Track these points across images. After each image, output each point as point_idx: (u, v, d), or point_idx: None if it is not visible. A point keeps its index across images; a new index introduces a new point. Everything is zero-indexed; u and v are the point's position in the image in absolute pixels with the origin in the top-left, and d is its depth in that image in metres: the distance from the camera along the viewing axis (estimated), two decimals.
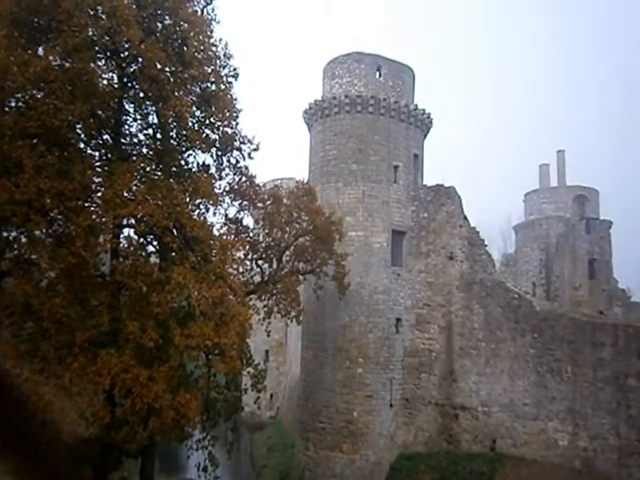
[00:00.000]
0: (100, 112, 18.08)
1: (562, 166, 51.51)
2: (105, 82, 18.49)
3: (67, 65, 16.92)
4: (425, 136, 33.15)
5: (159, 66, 18.20)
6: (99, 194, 17.82)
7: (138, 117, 19.89)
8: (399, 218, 29.94)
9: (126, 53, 18.24)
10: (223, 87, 20.83)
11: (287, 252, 24.69)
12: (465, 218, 30.32)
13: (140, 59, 18.11)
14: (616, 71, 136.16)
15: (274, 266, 24.18)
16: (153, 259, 20.06)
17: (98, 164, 18.65)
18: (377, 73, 31.05)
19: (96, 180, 17.98)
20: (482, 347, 28.27)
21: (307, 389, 28.90)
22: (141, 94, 19.14)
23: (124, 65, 18.57)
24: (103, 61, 18.64)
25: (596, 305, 40.15)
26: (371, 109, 29.82)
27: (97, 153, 19.12)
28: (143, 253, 19.06)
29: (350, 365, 27.57)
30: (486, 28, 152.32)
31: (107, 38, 17.68)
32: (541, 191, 51.88)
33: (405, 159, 30.72)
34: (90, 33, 17.12)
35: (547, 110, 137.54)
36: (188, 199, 19.33)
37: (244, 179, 22.43)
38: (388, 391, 28.08)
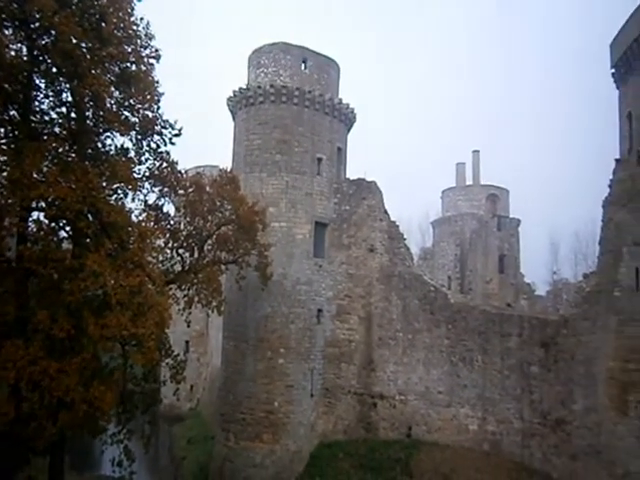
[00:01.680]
0: (7, 85, 17.12)
1: (477, 165, 54.89)
2: (13, 53, 17.51)
3: None
4: (349, 130, 34.06)
5: (74, 41, 17.54)
6: (4, 174, 16.91)
7: (50, 94, 19.03)
8: (322, 210, 30.62)
9: (37, 24, 17.39)
10: (144, 68, 20.41)
11: (209, 241, 24.50)
12: (385, 212, 31.52)
13: (53, 32, 17.36)
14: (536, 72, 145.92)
15: (195, 255, 23.94)
16: (66, 245, 19.26)
17: (4, 141, 17.65)
18: (303, 65, 31.46)
19: (1, 159, 17.04)
20: (400, 337, 29.64)
21: (228, 380, 28.92)
22: (54, 69, 18.37)
23: (35, 37, 17.70)
24: (11, 30, 17.65)
25: (505, 298, 43.29)
26: (296, 100, 30.21)
27: (2, 130, 18.07)
28: (54, 238, 18.26)
29: (271, 355, 27.90)
30: (413, 29, 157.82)
31: (15, 5, 16.80)
32: (457, 189, 55.00)
33: (329, 152, 31.43)
34: None
35: (466, 109, 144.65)
36: (105, 183, 18.81)
37: (165, 165, 22.04)
38: (309, 381, 28.72)
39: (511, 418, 26.38)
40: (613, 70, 27.48)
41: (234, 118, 32.76)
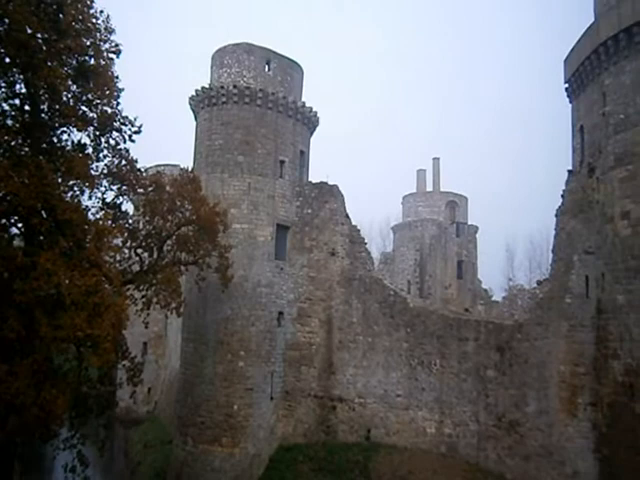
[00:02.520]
0: None
1: (437, 172, 56.15)
2: None
3: None
4: (311, 134, 34.27)
5: (29, 31, 17.08)
6: None
7: (3, 84, 18.42)
8: (284, 213, 30.67)
9: None
10: (103, 62, 20.09)
11: (169, 241, 24.16)
12: (347, 216, 31.81)
13: (6, 20, 16.85)
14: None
15: (154, 255, 23.56)
16: (17, 242, 18.65)
17: None
18: (266, 67, 31.46)
19: None
20: (360, 341, 29.92)
21: (187, 383, 28.57)
22: (7, 59, 17.78)
23: None
24: None
25: (463, 303, 44.35)
26: (259, 102, 30.20)
27: None
28: (5, 235, 17.67)
29: (231, 358, 27.69)
30: (381, 34, 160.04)
31: None
32: (417, 195, 56.07)
33: (291, 155, 31.53)
34: None
35: (430, 116, 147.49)
36: (60, 179, 18.40)
37: (124, 162, 21.71)
38: (269, 384, 28.66)
39: (467, 421, 27.01)
40: (567, 85, 28.67)
41: (196, 117, 32.48)
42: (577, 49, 26.95)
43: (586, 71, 26.01)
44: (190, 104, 32.43)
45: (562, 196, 26.67)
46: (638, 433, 21.53)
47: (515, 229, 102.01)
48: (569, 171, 27.35)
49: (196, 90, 31.40)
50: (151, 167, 31.52)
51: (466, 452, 26.80)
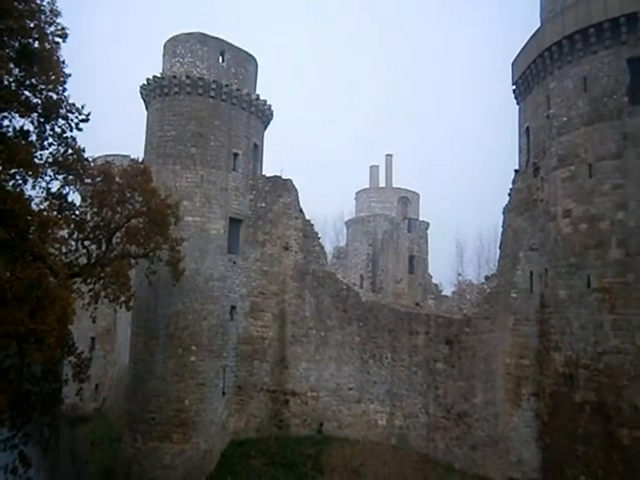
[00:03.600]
0: None
1: (390, 169, 57.07)
2: None
3: None
4: (265, 127, 34.13)
5: None
6: None
7: None
8: (237, 206, 30.45)
9: None
10: (48, 46, 19.29)
11: (118, 233, 23.62)
12: (301, 210, 31.89)
13: None
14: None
15: (103, 248, 23.01)
16: None
17: None
18: (220, 58, 31.13)
19: None
20: (312, 335, 30.11)
21: (136, 378, 28.07)
22: None
23: None
24: None
25: (414, 297, 45.32)
26: (213, 93, 29.86)
27: None
28: None
29: (183, 353, 27.37)
30: (340, 30, 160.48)
31: None
32: (370, 190, 56.83)
33: (245, 147, 31.33)
34: None
35: (385, 113, 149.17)
36: (1, 167, 17.55)
37: (70, 151, 21.00)
38: (221, 379, 28.50)
39: (417, 412, 27.64)
40: (514, 87, 29.67)
41: (147, 107, 31.75)
42: (524, 52, 27.91)
43: (532, 74, 26.99)
44: (141, 93, 31.68)
45: (509, 194, 27.61)
46: (577, 421, 22.61)
47: (465, 226, 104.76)
48: (516, 170, 28.34)
49: (147, 79, 30.70)
50: (99, 157, 30.51)
51: (416, 443, 27.44)
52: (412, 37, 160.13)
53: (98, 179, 22.80)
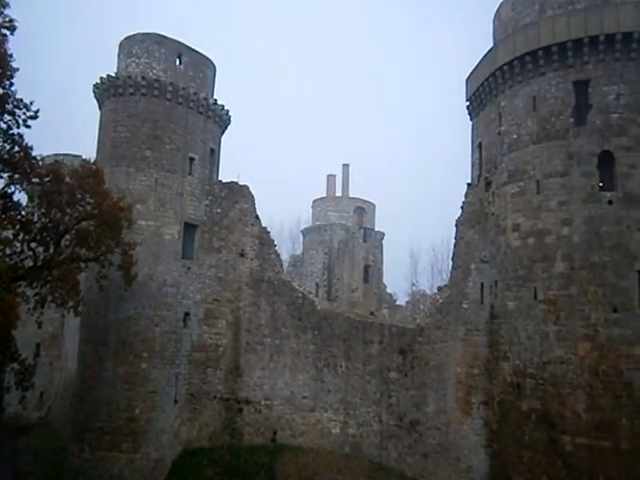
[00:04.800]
0: None
1: (346, 178, 57.83)
2: None
3: None
4: (223, 132, 34.07)
5: None
6: None
7: None
8: (192, 211, 30.20)
9: None
10: None
11: (67, 236, 23.00)
12: (257, 217, 31.90)
13: None
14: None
15: (50, 250, 22.30)
16: None
17: None
18: (178, 60, 30.96)
19: None
20: (267, 343, 30.08)
21: (84, 386, 27.36)
22: None
23: None
24: None
25: (369, 306, 45.96)
26: (169, 96, 29.64)
27: None
28: None
29: (134, 360, 26.87)
30: (302, 37, 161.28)
31: None
32: (327, 199, 57.39)
33: (201, 152, 31.18)
34: None
35: (343, 123, 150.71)
36: None
37: (17, 148, 20.47)
38: (173, 386, 28.11)
39: (371, 421, 27.99)
40: (468, 103, 30.80)
41: (100, 107, 31.14)
42: (477, 70, 29.06)
43: (485, 92, 28.14)
44: (94, 92, 31.07)
45: (462, 207, 28.56)
46: (524, 429, 23.54)
47: (419, 237, 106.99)
48: (468, 184, 29.37)
49: (101, 78, 30.18)
50: (49, 156, 29.68)
51: (369, 451, 27.77)
52: (371, 46, 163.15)
53: (47, 179, 22.21)
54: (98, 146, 30.53)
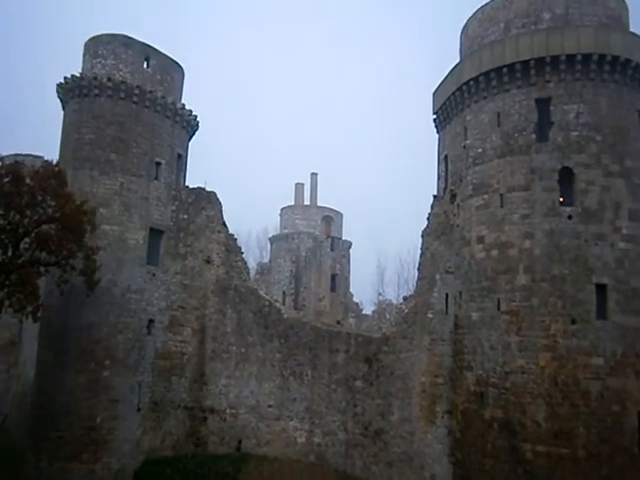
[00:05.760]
0: None
1: (315, 187, 58.28)
2: None
3: None
4: (190, 138, 34.03)
5: None
6: None
7: None
8: (158, 216, 30.02)
9: None
10: None
11: (26, 239, 22.57)
12: (224, 224, 31.86)
13: None
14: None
15: (9, 253, 21.82)
16: None
17: None
18: (145, 63, 30.84)
19: None
20: (233, 351, 30.04)
21: (43, 394, 26.72)
22: None
23: None
24: None
25: (335, 315, 46.33)
26: (136, 99, 29.49)
27: None
28: None
29: (95, 367, 26.42)
30: (272, 44, 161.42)
31: None
32: (295, 207, 57.65)
33: (168, 157, 31.06)
34: None
35: (310, 132, 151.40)
36: None
37: None
38: (136, 395, 27.73)
39: (336, 430, 28.19)
40: (435, 116, 31.67)
41: (64, 107, 30.73)
42: (444, 85, 29.97)
43: (451, 106, 29.04)
44: (58, 92, 30.63)
45: (428, 219, 29.25)
46: (486, 437, 24.22)
47: (386, 246, 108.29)
48: (434, 196, 30.14)
49: (65, 78, 29.81)
50: (8, 156, 29.04)
51: (334, 460, 27.94)
52: (341, 57, 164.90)
53: (6, 180, 21.86)
54: (61, 147, 30.11)
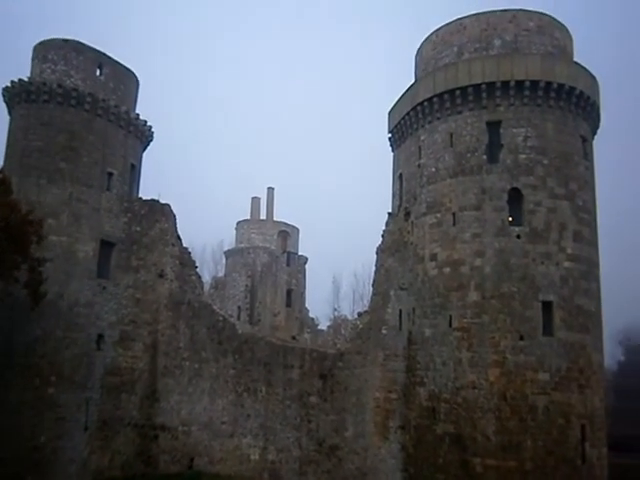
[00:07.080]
0: None
1: (271, 202, 58.58)
2: None
3: None
4: (145, 148, 33.91)
5: None
6: None
7: None
8: (109, 228, 29.75)
9: None
10: None
11: None
12: (178, 237, 31.79)
13: None
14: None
15: None
16: None
17: None
18: (98, 71, 30.80)
19: None
20: (186, 366, 29.88)
21: None
22: None
23: None
24: None
25: (291, 330, 46.41)
26: (88, 107, 29.35)
27: None
28: None
29: (40, 384, 25.83)
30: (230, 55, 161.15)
31: None
32: (251, 222, 57.73)
33: (121, 167, 30.91)
34: None
35: (269, 146, 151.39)
36: None
37: None
38: (84, 412, 27.20)
39: (290, 446, 28.26)
40: (390, 135, 32.63)
41: (10, 112, 30.14)
42: (399, 104, 30.96)
43: (406, 125, 30.02)
44: (4, 96, 30.12)
45: (382, 236, 29.99)
46: (438, 452, 24.90)
47: (342, 262, 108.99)
48: (389, 213, 30.94)
49: (12, 81, 29.41)
50: None
51: (288, 477, 27.96)
52: (302, 68, 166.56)
53: None
54: (6, 153, 29.45)
